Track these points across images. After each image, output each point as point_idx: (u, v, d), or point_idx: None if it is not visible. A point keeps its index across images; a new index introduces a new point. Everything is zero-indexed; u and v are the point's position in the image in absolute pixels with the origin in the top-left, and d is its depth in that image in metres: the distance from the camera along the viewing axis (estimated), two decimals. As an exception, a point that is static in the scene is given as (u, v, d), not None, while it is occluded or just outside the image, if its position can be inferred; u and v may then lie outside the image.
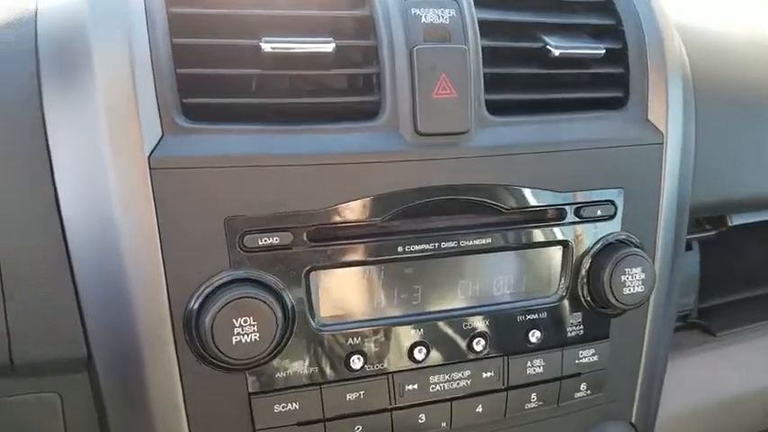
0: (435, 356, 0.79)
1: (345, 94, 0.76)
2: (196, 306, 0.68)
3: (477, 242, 0.78)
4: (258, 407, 0.73)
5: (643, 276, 0.84)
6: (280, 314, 0.68)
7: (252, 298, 0.67)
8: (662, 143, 0.87)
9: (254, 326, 0.67)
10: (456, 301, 0.80)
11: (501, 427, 0.86)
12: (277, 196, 0.69)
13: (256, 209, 0.69)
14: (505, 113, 0.79)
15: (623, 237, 0.86)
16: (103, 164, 0.66)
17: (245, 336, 0.67)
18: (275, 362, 0.72)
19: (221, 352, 0.67)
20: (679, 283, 1.00)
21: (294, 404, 0.74)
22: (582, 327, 0.86)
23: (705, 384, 1.16)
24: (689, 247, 1.20)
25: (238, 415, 0.73)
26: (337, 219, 0.72)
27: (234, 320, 0.67)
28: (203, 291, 0.68)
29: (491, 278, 0.81)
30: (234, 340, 0.67)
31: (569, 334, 0.86)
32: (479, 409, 0.83)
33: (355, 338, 0.75)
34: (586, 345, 0.87)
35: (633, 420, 0.96)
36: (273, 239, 0.69)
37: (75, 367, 0.74)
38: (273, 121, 0.71)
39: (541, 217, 0.82)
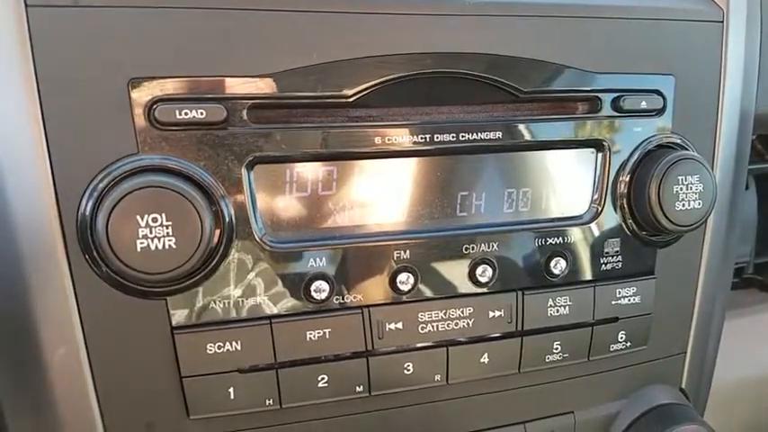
0: (426, 288, 0.60)
1: None
2: (90, 204, 0.49)
3: (482, 136, 0.59)
4: (185, 347, 0.54)
5: (701, 188, 0.64)
6: (208, 218, 0.50)
7: (163, 188, 0.49)
8: (722, 21, 0.67)
9: (167, 227, 0.49)
10: (454, 218, 0.61)
11: (513, 385, 0.66)
12: (203, 51, 0.51)
13: (172, 68, 0.50)
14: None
15: (675, 140, 0.66)
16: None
17: (156, 240, 0.48)
18: (206, 285, 0.54)
19: (122, 262, 0.48)
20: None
21: (234, 344, 0.55)
22: (620, 258, 0.66)
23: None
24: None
25: (159, 358, 0.55)
26: (291, 89, 0.53)
27: (138, 218, 0.48)
28: (99, 183, 0.50)
29: (501, 188, 0.62)
30: (138, 245, 0.48)
31: (604, 266, 0.66)
32: (485, 359, 0.63)
33: (318, 259, 0.56)
34: (626, 281, 0.67)
35: (683, 386, 0.76)
36: (198, 113, 0.51)
37: None
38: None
39: (569, 106, 0.62)
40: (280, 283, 0.56)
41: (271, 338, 0.56)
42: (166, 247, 0.49)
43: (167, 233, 0.49)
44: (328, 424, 0.61)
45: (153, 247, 0.48)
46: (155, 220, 0.48)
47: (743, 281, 1.04)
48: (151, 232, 0.48)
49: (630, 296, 0.67)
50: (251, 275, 0.55)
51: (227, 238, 0.53)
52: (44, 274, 0.51)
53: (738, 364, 0.92)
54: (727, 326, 0.86)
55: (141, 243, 0.48)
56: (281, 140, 0.53)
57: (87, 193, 0.50)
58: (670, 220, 0.63)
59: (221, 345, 0.55)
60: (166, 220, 0.48)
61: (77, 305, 0.52)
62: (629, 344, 0.68)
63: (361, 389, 0.60)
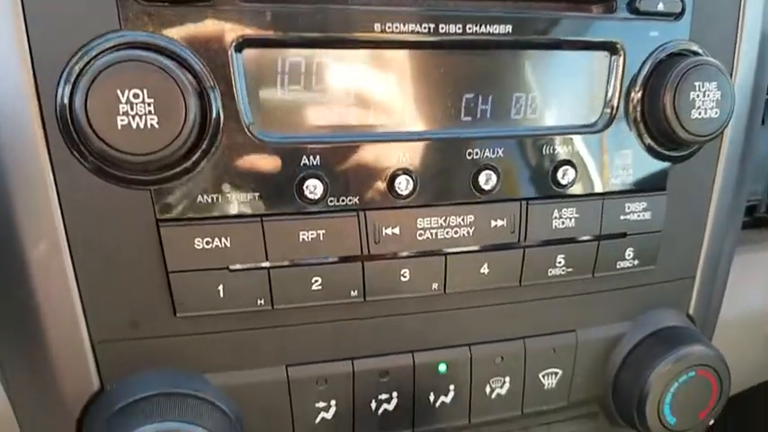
0: (426, 192, 0.57)
1: None
2: (70, 83, 0.46)
3: (491, 30, 0.55)
4: (170, 240, 0.52)
5: (718, 96, 0.60)
6: (193, 99, 0.47)
7: (144, 62, 0.45)
8: None
9: (149, 105, 0.45)
10: (458, 121, 0.58)
11: (514, 299, 0.64)
12: None
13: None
14: None
15: (692, 47, 0.62)
16: None
17: (137, 118, 0.45)
18: (192, 177, 0.51)
19: (102, 140, 0.45)
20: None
21: (224, 241, 0.53)
22: (631, 171, 0.63)
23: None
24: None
25: (144, 252, 0.52)
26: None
27: (118, 92, 0.45)
28: (81, 59, 0.46)
29: (509, 92, 0.58)
30: (119, 122, 0.45)
31: (613, 179, 0.63)
32: (484, 269, 0.60)
33: (311, 156, 0.53)
34: (636, 196, 0.64)
35: (691, 312, 0.73)
36: None
37: None
38: None
39: (584, 6, 0.58)
40: (271, 179, 0.53)
41: (262, 237, 0.54)
42: (148, 126, 0.46)
43: (149, 111, 0.46)
44: (321, 329, 0.59)
45: (134, 126, 0.45)
46: (136, 96, 0.45)
47: (754, 220, 1.00)
48: (132, 109, 0.45)
49: (640, 212, 0.64)
50: (240, 170, 0.52)
51: (214, 127, 0.50)
52: (23, 164, 0.49)
53: (746, 301, 0.89)
54: (736, 260, 0.83)
55: (122, 120, 0.45)
56: (272, 21, 0.50)
57: (67, 71, 0.47)
58: (685, 129, 0.60)
59: (209, 241, 0.53)
60: (148, 97, 0.45)
61: (58, 196, 0.50)
62: (636, 262, 0.65)
63: (355, 293, 0.57)
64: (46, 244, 0.51)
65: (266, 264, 0.54)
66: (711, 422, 0.69)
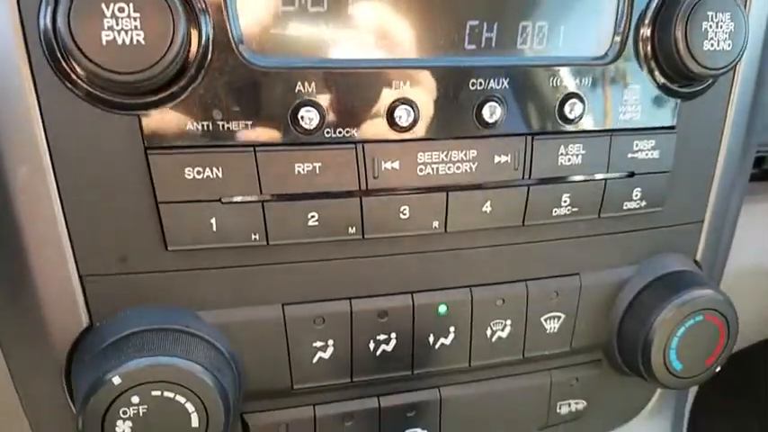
0: (427, 124, 0.55)
1: None
2: (51, 6, 0.43)
3: None
4: (160, 169, 0.50)
5: (732, 27, 0.57)
6: (181, 15, 0.44)
7: (130, -28, 0.43)
8: None
9: (134, 20, 0.43)
10: (461, 49, 0.55)
11: (517, 240, 0.62)
12: None
13: None
14: None
15: (706, -24, 0.59)
16: None
17: (123, 33, 0.43)
18: (181, 102, 0.48)
19: (87, 57, 0.43)
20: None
21: (215, 171, 0.51)
22: (640, 106, 0.61)
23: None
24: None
25: (132, 181, 0.50)
26: None
27: (103, 6, 0.42)
28: None
29: (515, 20, 0.55)
30: (104, 38, 0.43)
31: (622, 115, 0.60)
32: (487, 208, 0.58)
33: (306, 83, 0.51)
34: (645, 133, 0.61)
35: (698, 258, 0.72)
36: None
37: None
38: None
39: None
40: (264, 107, 0.50)
41: (255, 168, 0.51)
42: (134, 42, 0.43)
43: (135, 26, 0.43)
44: (318, 268, 0.57)
45: (120, 41, 0.43)
46: (121, 10, 0.43)
47: (762, 172, 0.98)
48: (117, 23, 0.43)
49: (648, 150, 0.62)
50: (231, 96, 0.49)
51: (203, 47, 0.47)
52: (6, 90, 0.47)
53: (752, 253, 0.87)
54: (743, 211, 0.81)
55: (107, 35, 0.43)
56: None
57: None
58: (696, 61, 0.57)
59: (200, 171, 0.51)
60: (134, 11, 0.43)
61: (43, 123, 0.47)
62: (643, 203, 0.63)
63: (353, 231, 0.55)
64: (30, 171, 0.49)
65: (260, 197, 0.52)
66: (718, 370, 0.68)
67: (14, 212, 0.50)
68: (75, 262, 0.52)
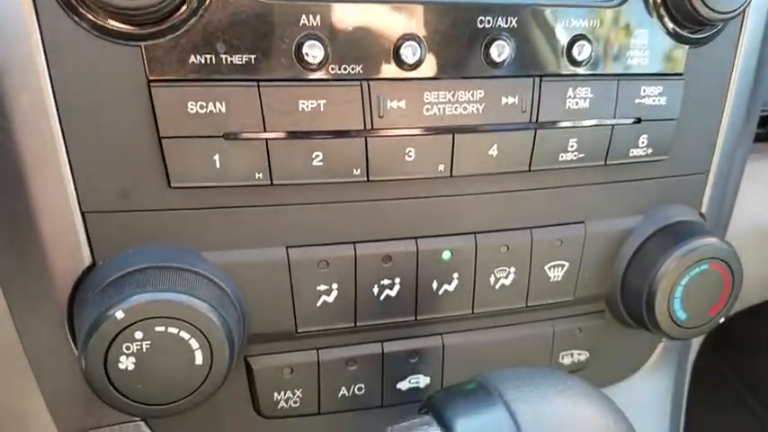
0: (434, 62, 0.54)
1: None
2: None
3: None
4: (163, 102, 0.49)
5: (744, -31, 0.56)
6: None
7: None
8: None
9: (138, -59, 0.42)
10: (469, -14, 0.54)
11: (522, 186, 0.61)
12: None
13: None
14: None
15: None
16: None
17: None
18: (184, 34, 0.47)
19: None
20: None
21: (219, 105, 0.50)
22: (648, 51, 0.60)
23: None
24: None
25: (135, 114, 0.49)
26: None
27: None
28: None
29: (522, -42, 0.55)
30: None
31: (630, 59, 0.59)
32: (493, 151, 0.58)
33: (311, 15, 0.50)
34: (652, 78, 0.61)
35: (703, 210, 0.71)
36: None
37: None
38: None
39: None
40: (268, 40, 0.49)
41: (259, 104, 0.51)
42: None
43: (138, -50, 0.42)
44: (323, 210, 0.56)
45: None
46: (124, -68, 0.42)
47: (767, 132, 0.98)
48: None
49: (656, 96, 0.61)
50: (234, 28, 0.48)
51: None
52: (6, 17, 0.46)
53: (755, 210, 0.87)
54: (747, 168, 0.81)
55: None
56: None
57: None
58: (706, 4, 0.56)
59: (203, 105, 0.50)
60: (137, -65, 0.42)
61: (44, 52, 0.47)
62: (650, 150, 0.63)
63: (358, 172, 0.55)
64: (31, 101, 0.48)
65: (264, 134, 0.52)
66: (722, 320, 0.68)
67: (16, 148, 0.49)
68: (78, 198, 0.51)
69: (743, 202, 0.82)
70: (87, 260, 0.53)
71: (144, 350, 0.49)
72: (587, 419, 0.42)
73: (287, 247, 0.57)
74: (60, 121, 0.49)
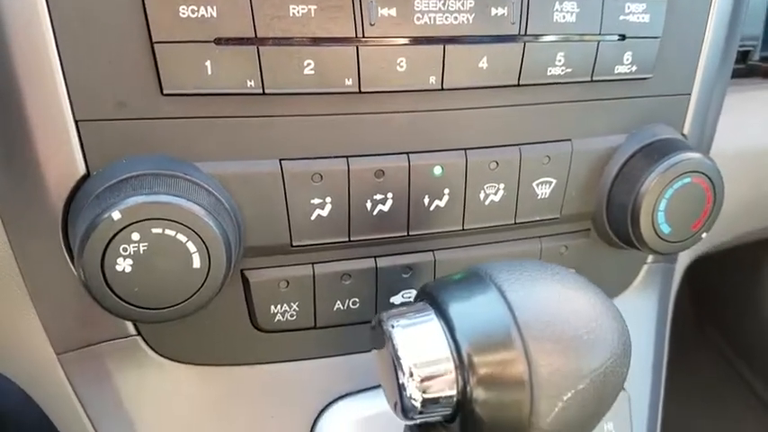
0: (423, -29, 0.54)
1: None
2: None
3: None
4: (155, 5, 0.49)
5: None
6: None
7: None
8: None
9: None
10: None
11: (511, 102, 0.62)
12: None
13: None
14: None
15: None
16: None
17: None
18: None
19: None
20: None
21: (210, 9, 0.50)
22: (633, -33, 0.61)
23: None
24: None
25: (127, 17, 0.49)
26: None
27: None
28: None
29: None
30: None
31: (615, -27, 0.60)
32: (483, 63, 0.59)
33: None
34: (636, -5, 0.62)
35: (686, 132, 0.73)
36: None
37: None
38: None
39: None
40: None
41: (249, 8, 0.51)
42: None
43: None
44: (316, 123, 0.57)
45: None
46: None
47: (748, 67, 0.99)
48: None
49: (640, 13, 0.62)
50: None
51: None
52: None
53: (736, 138, 0.89)
54: (727, 101, 0.82)
55: None
56: None
57: None
58: None
59: (195, 9, 0.50)
60: None
61: None
62: (634, 68, 0.64)
63: (350, 82, 0.55)
64: (21, 6, 0.48)
65: (255, 40, 0.52)
66: (704, 235, 0.70)
67: (7, 56, 0.49)
68: (71, 105, 0.51)
69: (723, 132, 0.84)
70: (81, 170, 0.53)
71: (141, 252, 0.49)
72: (576, 299, 0.44)
73: (280, 160, 0.57)
74: (53, 28, 0.48)
